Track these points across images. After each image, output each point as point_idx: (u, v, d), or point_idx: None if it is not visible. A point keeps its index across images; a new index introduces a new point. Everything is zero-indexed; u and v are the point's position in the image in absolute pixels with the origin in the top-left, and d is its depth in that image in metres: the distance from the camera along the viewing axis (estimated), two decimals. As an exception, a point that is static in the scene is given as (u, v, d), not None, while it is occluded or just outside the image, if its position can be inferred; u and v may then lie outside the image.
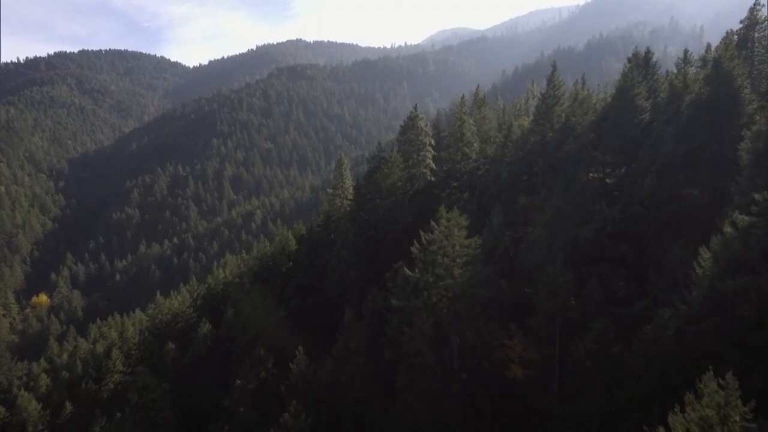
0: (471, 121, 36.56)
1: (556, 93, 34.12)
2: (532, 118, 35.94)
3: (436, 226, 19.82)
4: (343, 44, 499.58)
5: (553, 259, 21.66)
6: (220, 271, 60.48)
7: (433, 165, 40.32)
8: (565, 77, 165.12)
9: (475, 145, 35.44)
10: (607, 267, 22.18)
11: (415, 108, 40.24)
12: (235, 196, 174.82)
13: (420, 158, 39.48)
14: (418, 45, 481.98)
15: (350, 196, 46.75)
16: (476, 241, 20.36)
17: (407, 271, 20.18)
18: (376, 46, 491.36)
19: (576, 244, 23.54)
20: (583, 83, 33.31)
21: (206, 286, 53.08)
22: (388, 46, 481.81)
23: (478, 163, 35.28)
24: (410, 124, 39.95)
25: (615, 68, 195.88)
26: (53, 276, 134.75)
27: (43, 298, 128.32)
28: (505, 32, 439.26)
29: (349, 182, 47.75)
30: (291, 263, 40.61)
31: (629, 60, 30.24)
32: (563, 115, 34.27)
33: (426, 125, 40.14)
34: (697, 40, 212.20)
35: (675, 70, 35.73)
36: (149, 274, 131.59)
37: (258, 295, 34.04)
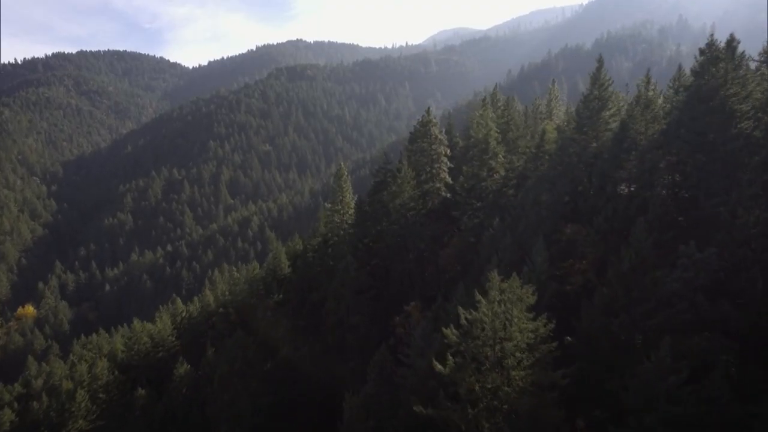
0: (495, 128, 30.38)
1: (603, 94, 27.87)
2: (573, 125, 29.64)
3: (482, 300, 13.55)
4: (343, 44, 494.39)
5: (633, 323, 15.36)
6: (208, 294, 54.42)
7: (449, 179, 34.10)
8: (574, 76, 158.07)
9: (500, 156, 29.26)
10: (707, 337, 15.89)
11: (428, 112, 34.02)
12: (232, 201, 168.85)
13: (434, 171, 33.26)
14: (419, 45, 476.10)
15: (351, 212, 40.62)
16: (545, 324, 13.93)
17: (437, 365, 13.80)
18: (377, 47, 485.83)
19: (658, 300, 17.25)
20: (648, 81, 27.06)
21: (188, 315, 46.88)
22: (389, 47, 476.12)
23: (505, 179, 29.06)
24: (422, 131, 33.73)
25: (626, 67, 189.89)
26: (41, 285, 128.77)
27: (30, 309, 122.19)
28: (508, 32, 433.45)
29: (349, 196, 41.60)
30: (281, 295, 34.58)
31: (702, 51, 23.96)
32: (611, 121, 28.01)
33: (441, 132, 33.94)
34: (707, 40, 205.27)
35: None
36: (140, 284, 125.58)
37: (237, 347, 27.93)
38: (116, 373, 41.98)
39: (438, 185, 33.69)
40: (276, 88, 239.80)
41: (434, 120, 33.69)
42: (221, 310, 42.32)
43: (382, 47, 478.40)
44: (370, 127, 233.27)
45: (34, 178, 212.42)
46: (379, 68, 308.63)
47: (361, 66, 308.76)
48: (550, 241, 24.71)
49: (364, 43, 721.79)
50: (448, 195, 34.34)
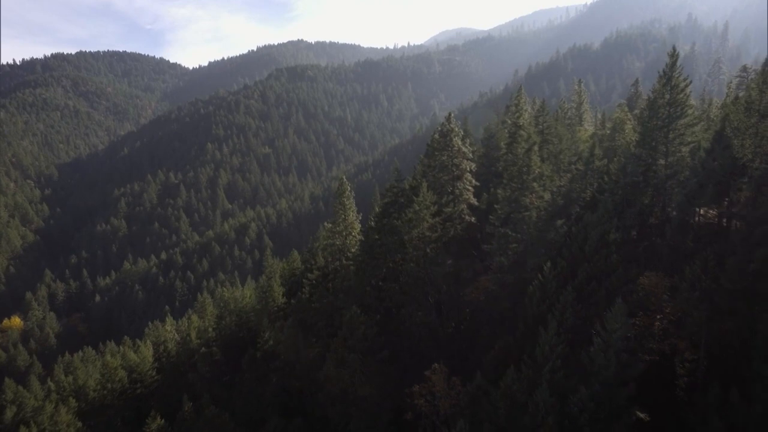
0: (537, 140, 24.38)
1: (678, 98, 21.86)
2: (636, 136, 23.67)
3: None
4: (345, 45, 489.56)
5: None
6: (194, 320, 48.51)
7: (474, 200, 28.14)
8: (585, 77, 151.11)
9: (544, 179, 23.29)
10: None
11: (449, 119, 28.02)
12: (230, 206, 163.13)
13: (457, 192, 27.30)
14: (422, 45, 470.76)
15: (355, 233, 34.73)
16: None
17: None
18: (379, 47, 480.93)
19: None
20: (765, 79, 20.76)
21: (167, 353, 40.98)
22: (391, 47, 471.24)
23: (551, 205, 22.96)
24: (442, 142, 27.78)
25: (638, 67, 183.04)
26: (28, 296, 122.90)
27: (16, 320, 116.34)
28: (511, 32, 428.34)
29: (352, 215, 35.67)
30: (271, 341, 28.64)
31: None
32: (688, 133, 22.04)
33: (465, 144, 27.98)
34: (720, 39, 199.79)
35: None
36: (132, 295, 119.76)
37: (210, 428, 22.06)
38: (80, 425, 36.09)
39: (461, 207, 27.73)
40: (276, 88, 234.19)
41: (456, 129, 27.73)
42: (204, 349, 36.45)
43: (384, 47, 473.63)
44: (372, 129, 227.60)
45: (28, 181, 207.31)
46: (381, 68, 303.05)
47: (363, 66, 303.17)
48: (618, 293, 18.67)
49: (365, 43, 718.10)
50: (473, 219, 28.41)
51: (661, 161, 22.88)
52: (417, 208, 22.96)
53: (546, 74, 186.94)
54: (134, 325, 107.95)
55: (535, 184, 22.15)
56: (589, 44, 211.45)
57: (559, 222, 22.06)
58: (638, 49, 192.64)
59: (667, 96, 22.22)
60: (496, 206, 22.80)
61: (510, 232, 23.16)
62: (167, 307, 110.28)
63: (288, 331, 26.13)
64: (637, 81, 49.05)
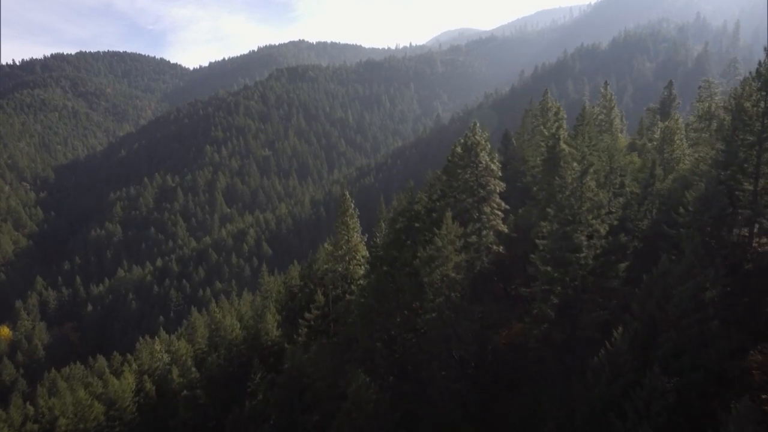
0: (594, 162, 19.51)
1: (774, 106, 17.13)
2: (714, 154, 18.89)
3: None
4: (346, 45, 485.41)
5: None
6: (183, 347, 43.80)
7: (503, 227, 23.42)
8: (594, 78, 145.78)
9: (602, 210, 18.45)
10: None
11: (474, 129, 23.27)
12: (229, 210, 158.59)
13: (484, 218, 22.58)
14: (424, 46, 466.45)
15: (359, 257, 30.10)
16: None
17: None
18: (381, 47, 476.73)
19: None
20: None
21: (145, 393, 36.32)
22: (393, 47, 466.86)
23: (612, 244, 17.96)
24: (466, 158, 23.07)
25: (648, 68, 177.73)
26: (18, 304, 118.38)
27: (5, 330, 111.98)
28: (514, 32, 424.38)
29: (357, 237, 31.05)
30: (261, 395, 23.94)
31: None
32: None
33: (493, 159, 23.27)
34: (730, 38, 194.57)
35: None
36: (126, 304, 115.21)
37: None
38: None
39: (489, 235, 23.00)
40: (276, 89, 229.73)
41: (483, 142, 23.02)
42: (185, 392, 31.80)
43: (386, 48, 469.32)
44: (375, 131, 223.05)
45: (24, 183, 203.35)
46: (383, 69, 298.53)
47: (365, 67, 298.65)
48: (723, 374, 13.90)
49: (367, 43, 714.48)
50: (501, 248, 23.68)
51: (748, 186, 18.14)
52: (440, 243, 18.30)
53: (553, 75, 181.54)
54: (127, 337, 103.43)
55: (590, 217, 17.36)
56: (597, 44, 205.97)
57: (622, 265, 17.26)
58: (648, 49, 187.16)
59: (762, 104, 17.47)
60: (538, 241, 18.14)
61: (554, 273, 18.42)
62: (161, 318, 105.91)
63: (279, 391, 21.57)
64: (670, 83, 44.16)
